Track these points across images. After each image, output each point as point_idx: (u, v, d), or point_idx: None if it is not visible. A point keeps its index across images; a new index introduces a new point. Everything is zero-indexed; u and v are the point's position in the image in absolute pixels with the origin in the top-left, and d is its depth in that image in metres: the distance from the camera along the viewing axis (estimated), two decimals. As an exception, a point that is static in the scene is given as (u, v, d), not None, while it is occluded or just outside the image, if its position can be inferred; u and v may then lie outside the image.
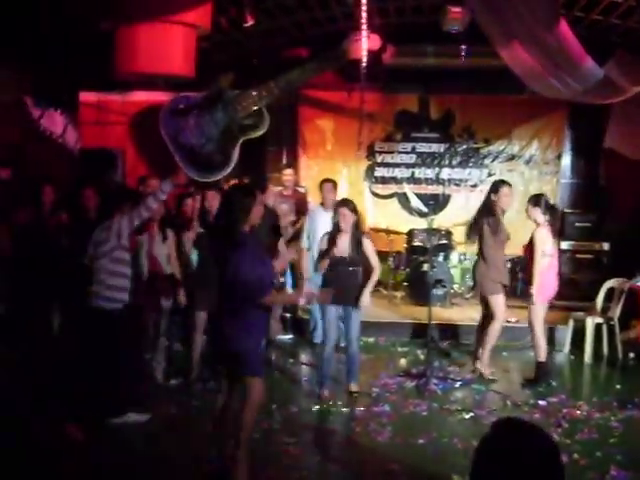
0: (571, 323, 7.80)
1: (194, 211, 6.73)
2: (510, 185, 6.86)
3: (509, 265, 8.58)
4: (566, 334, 7.81)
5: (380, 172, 10.86)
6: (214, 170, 8.79)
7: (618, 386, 6.68)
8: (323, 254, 6.11)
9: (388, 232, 9.82)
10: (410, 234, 9.75)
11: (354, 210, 6.07)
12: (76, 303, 5.79)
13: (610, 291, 7.68)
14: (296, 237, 8.02)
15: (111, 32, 7.52)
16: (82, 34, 7.85)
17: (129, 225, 5.32)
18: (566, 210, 9.89)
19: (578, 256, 9.35)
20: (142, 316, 6.07)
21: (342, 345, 6.70)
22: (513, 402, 6.07)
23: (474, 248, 7.05)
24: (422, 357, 7.34)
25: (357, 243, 6.06)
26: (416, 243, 9.63)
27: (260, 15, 8.26)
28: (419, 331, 7.94)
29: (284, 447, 4.97)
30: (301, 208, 8.66)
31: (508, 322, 7.82)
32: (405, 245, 9.84)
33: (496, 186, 6.78)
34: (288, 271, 8.10)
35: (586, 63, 6.49)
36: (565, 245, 9.21)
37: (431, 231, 8.00)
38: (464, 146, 10.71)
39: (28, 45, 7.84)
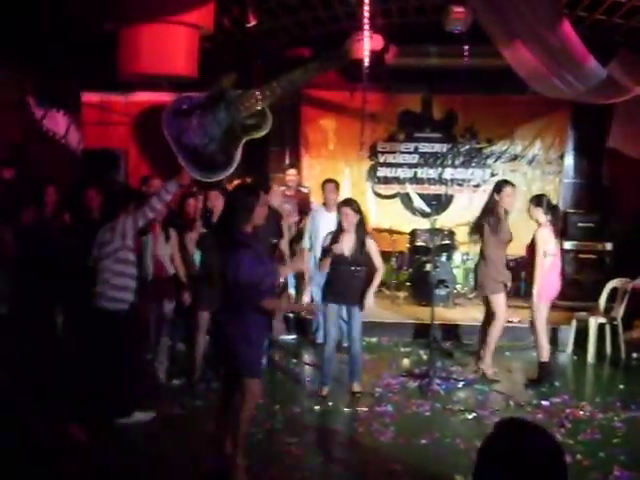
0: (574, 323, 7.78)
1: (196, 211, 6.74)
2: (513, 185, 6.84)
3: (512, 265, 8.57)
4: (569, 334, 7.80)
5: (383, 172, 10.86)
6: (217, 170, 8.81)
7: (621, 386, 6.67)
8: (324, 253, 6.11)
9: (391, 232, 9.81)
10: (413, 234, 9.74)
11: (357, 210, 6.06)
12: (79, 304, 5.79)
13: (613, 291, 7.68)
14: (299, 237, 8.02)
15: (114, 32, 7.53)
16: (84, 34, 7.86)
17: (134, 226, 5.31)
18: (569, 210, 9.90)
19: (581, 256, 9.34)
20: (144, 316, 6.08)
21: (345, 345, 6.68)
22: (516, 402, 6.07)
23: (477, 248, 7.04)
24: (425, 357, 7.33)
25: (361, 243, 6.05)
26: (419, 243, 9.63)
27: (263, 15, 8.27)
28: (422, 331, 7.93)
29: (286, 447, 4.97)
30: (304, 208, 8.67)
31: (511, 322, 7.84)
32: (408, 245, 9.84)
33: (499, 186, 6.77)
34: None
35: (589, 63, 6.48)
36: (568, 245, 9.20)
37: (434, 231, 7.99)
38: (467, 146, 10.70)
39: (28, 45, 7.85)
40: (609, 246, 9.30)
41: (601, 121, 9.61)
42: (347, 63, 8.86)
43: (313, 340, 7.89)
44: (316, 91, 10.60)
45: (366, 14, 7.01)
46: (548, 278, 6.53)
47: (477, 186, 10.65)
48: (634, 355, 7.49)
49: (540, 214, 6.57)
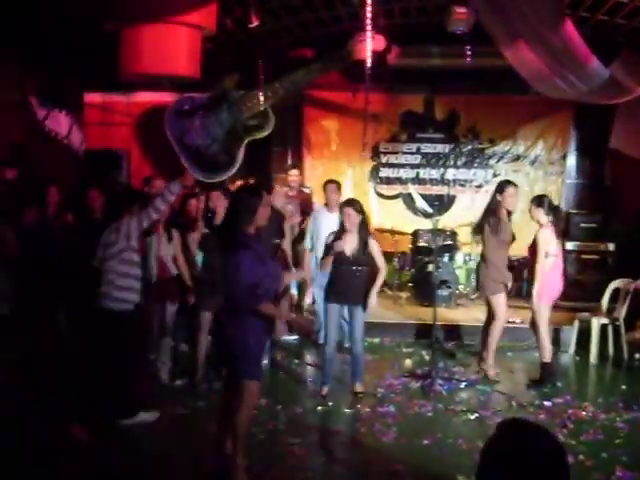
0: (576, 324, 7.78)
1: (198, 211, 6.74)
2: (516, 185, 6.83)
3: (515, 265, 8.57)
4: (571, 335, 7.79)
5: (385, 173, 10.86)
6: (219, 171, 8.82)
7: (624, 387, 6.65)
8: (326, 251, 6.11)
9: (393, 233, 9.82)
10: (415, 235, 9.74)
11: (360, 210, 6.05)
12: (81, 304, 5.80)
13: (615, 292, 7.67)
14: (301, 238, 8.02)
15: (116, 33, 7.53)
16: (85, 34, 7.86)
17: (138, 227, 5.32)
18: (571, 210, 9.89)
19: (583, 257, 9.33)
20: (147, 316, 6.08)
21: (347, 345, 6.67)
22: (518, 403, 6.06)
23: (479, 249, 7.04)
24: (427, 358, 7.34)
25: (363, 243, 6.04)
26: (421, 244, 9.62)
27: (265, 16, 8.27)
28: (424, 332, 7.93)
29: (289, 448, 4.97)
30: (306, 209, 8.66)
31: (513, 323, 7.84)
32: (410, 246, 9.83)
33: (501, 186, 6.76)
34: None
35: (591, 63, 6.47)
36: (570, 246, 9.20)
37: (436, 232, 7.99)
38: (469, 146, 10.69)
39: (29, 45, 7.85)
40: (611, 247, 9.29)
41: (603, 121, 9.60)
42: (349, 64, 8.87)
43: (315, 340, 7.89)
44: (318, 92, 10.61)
45: (368, 15, 7.00)
46: (550, 279, 6.52)
47: (479, 186, 10.64)
48: (636, 356, 7.47)
49: (541, 215, 6.56)
